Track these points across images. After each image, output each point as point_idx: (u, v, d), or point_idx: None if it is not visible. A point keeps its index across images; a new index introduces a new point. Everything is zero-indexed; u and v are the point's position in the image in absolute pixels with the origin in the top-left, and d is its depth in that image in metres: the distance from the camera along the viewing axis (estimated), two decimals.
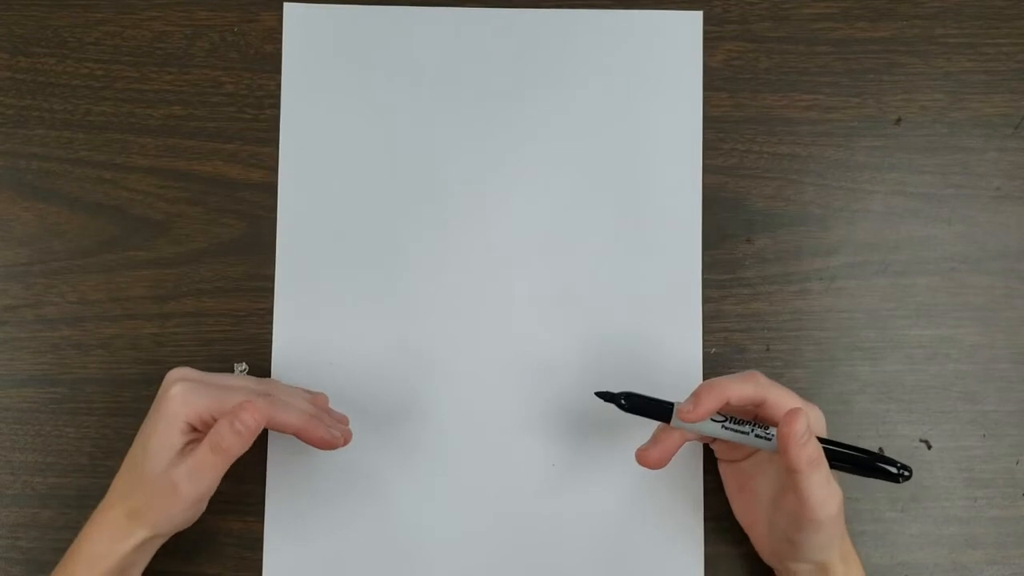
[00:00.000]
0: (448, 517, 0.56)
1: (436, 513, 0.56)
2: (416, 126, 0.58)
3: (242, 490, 0.56)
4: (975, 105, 0.58)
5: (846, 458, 0.49)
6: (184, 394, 0.49)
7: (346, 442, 0.52)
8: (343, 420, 0.54)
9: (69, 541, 0.50)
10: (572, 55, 0.58)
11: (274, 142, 0.58)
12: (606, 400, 0.51)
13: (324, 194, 0.58)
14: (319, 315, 0.57)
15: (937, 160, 0.58)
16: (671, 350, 0.57)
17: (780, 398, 0.49)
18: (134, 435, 0.51)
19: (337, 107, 0.58)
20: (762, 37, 0.59)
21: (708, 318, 0.57)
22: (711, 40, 0.58)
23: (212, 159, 0.58)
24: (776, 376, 0.54)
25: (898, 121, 0.58)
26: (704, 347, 0.57)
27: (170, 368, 0.51)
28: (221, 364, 0.57)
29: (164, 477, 0.49)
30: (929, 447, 0.57)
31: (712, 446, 0.54)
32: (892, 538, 0.56)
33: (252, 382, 0.52)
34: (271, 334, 0.57)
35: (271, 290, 0.57)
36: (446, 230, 0.57)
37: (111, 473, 0.53)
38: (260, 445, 0.56)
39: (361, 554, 0.56)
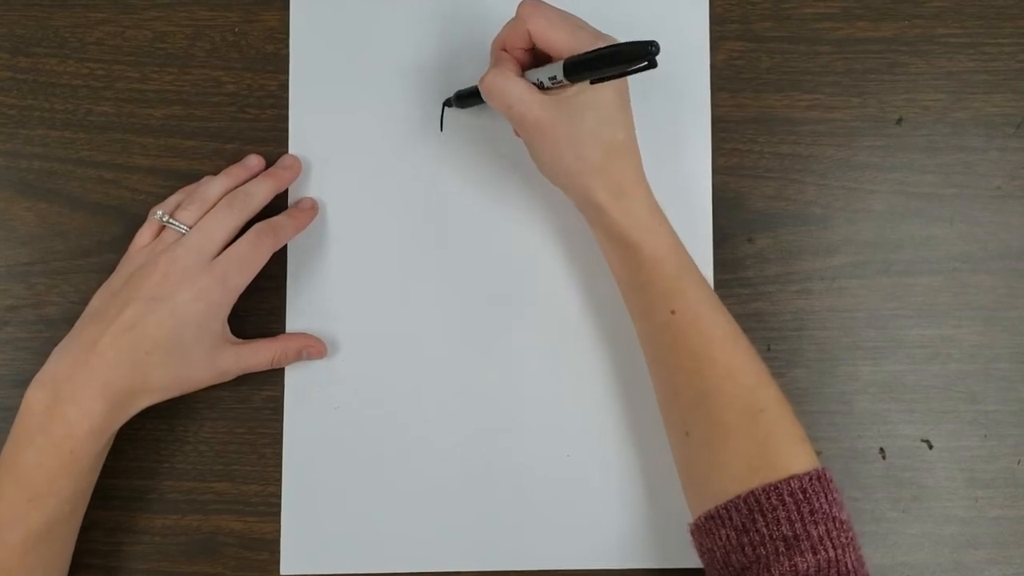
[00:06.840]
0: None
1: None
2: (421, 117, 0.58)
3: (243, 490, 0.56)
4: (977, 105, 0.58)
5: (599, 60, 0.47)
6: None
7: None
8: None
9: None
10: None
11: (275, 141, 0.58)
12: (448, 106, 0.57)
13: (333, 188, 0.58)
14: (330, 313, 0.57)
15: (939, 160, 0.58)
16: None
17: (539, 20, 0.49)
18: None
19: (344, 99, 0.58)
20: (763, 37, 0.59)
21: None
22: (712, 40, 0.58)
23: (213, 159, 0.58)
24: (777, 376, 0.53)
25: (899, 121, 0.58)
26: None
27: None
28: None
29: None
30: (930, 447, 0.57)
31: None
32: (893, 538, 0.56)
33: (228, 223, 0.53)
34: (280, 332, 0.57)
35: (273, 289, 0.57)
36: (459, 222, 0.57)
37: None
38: (276, 411, 0.56)
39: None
